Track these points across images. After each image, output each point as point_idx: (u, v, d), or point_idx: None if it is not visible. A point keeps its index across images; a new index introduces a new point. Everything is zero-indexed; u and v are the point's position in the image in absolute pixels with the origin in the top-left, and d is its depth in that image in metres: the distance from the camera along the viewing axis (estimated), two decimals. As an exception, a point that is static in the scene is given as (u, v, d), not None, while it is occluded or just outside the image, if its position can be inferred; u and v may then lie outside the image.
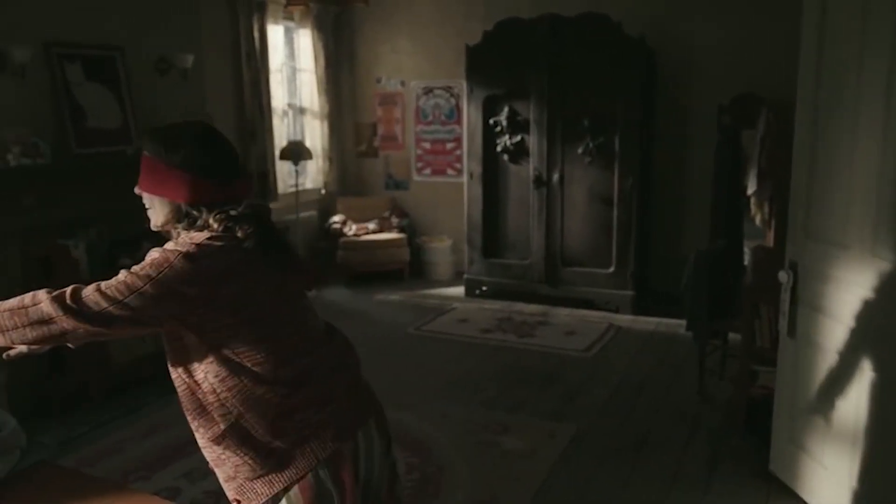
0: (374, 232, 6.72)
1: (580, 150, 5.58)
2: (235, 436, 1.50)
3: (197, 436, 1.58)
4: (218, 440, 1.52)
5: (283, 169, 6.35)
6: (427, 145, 7.01)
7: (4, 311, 1.42)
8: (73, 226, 4.05)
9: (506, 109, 5.81)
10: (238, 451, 1.51)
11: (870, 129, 2.43)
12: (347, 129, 7.25)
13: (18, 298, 1.44)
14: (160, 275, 1.41)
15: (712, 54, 5.68)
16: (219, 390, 1.48)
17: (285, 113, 6.54)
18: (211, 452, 1.57)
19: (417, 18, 6.79)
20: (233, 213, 1.52)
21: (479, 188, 6.01)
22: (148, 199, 1.59)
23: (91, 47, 4.22)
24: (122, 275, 1.43)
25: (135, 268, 1.44)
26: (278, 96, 6.33)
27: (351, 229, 6.68)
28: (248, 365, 1.47)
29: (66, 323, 1.38)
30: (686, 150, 5.92)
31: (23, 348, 1.50)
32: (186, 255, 1.43)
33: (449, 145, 6.91)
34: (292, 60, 6.68)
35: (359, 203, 7.05)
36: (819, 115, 2.71)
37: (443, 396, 4.11)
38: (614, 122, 5.46)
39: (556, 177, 5.69)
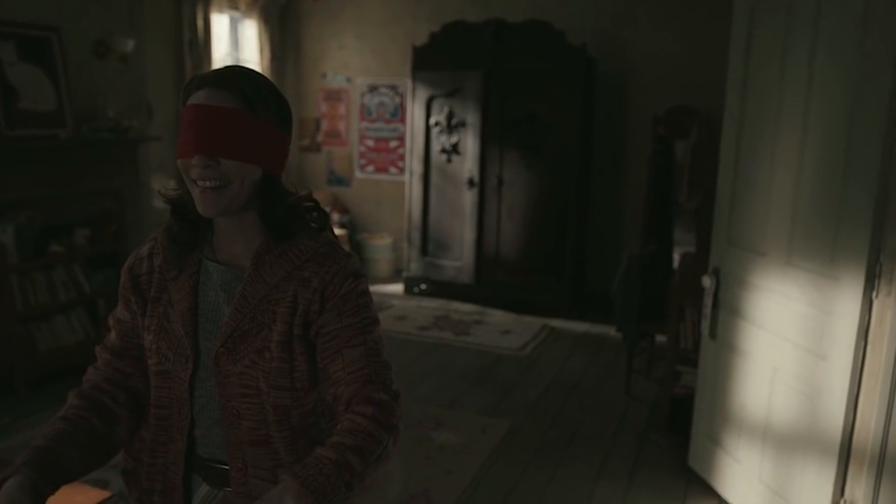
0: (314, 227, 6.68)
1: (518, 154, 5.70)
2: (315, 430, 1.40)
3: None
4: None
5: (223, 160, 6.26)
6: (370, 143, 7.03)
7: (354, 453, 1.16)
8: (1, 210, 3.92)
9: (445, 110, 5.88)
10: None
11: (788, 143, 2.60)
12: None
13: (350, 435, 1.18)
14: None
15: (650, 66, 5.88)
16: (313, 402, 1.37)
17: (227, 104, 6.45)
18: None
19: (365, 16, 6.80)
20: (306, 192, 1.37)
21: (420, 187, 6.06)
22: (232, 170, 1.17)
23: (26, 26, 4.10)
24: (364, 323, 1.27)
25: (362, 309, 1.28)
26: (220, 86, 6.24)
27: (291, 224, 6.62)
28: None
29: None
30: (623, 158, 6.11)
31: None
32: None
33: (392, 143, 6.94)
34: (236, 51, 6.59)
35: (300, 198, 7.00)
36: (743, 128, 2.87)
37: (379, 392, 4.14)
38: (553, 127, 5.59)
39: (493, 179, 5.79)
